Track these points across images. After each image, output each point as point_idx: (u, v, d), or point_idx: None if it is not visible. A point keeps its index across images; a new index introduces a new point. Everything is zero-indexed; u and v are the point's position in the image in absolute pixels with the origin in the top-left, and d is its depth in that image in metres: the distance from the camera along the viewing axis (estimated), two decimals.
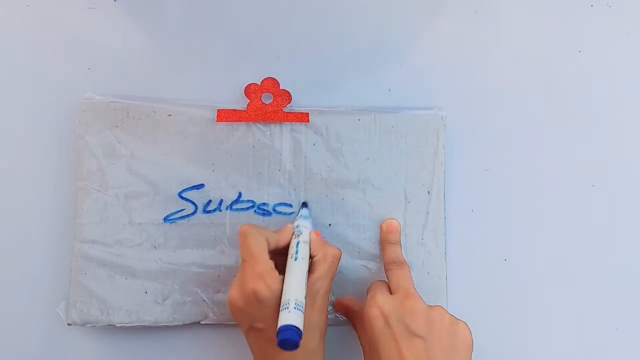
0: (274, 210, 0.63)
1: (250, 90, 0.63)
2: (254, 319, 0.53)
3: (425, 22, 0.67)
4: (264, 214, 0.63)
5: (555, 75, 0.67)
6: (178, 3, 0.66)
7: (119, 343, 0.63)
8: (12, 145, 0.64)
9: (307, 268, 0.56)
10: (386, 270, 0.60)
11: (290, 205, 0.63)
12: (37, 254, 0.63)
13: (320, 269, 0.56)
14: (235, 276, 0.55)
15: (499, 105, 0.67)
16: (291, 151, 0.63)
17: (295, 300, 0.52)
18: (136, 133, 0.63)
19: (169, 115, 0.63)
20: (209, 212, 0.63)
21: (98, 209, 0.62)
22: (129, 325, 0.61)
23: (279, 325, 0.50)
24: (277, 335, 0.50)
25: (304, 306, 0.52)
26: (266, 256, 0.54)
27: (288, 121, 0.63)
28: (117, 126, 0.62)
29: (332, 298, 0.62)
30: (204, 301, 0.62)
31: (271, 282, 0.53)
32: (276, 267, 0.55)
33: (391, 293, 0.56)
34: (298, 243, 0.57)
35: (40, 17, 0.65)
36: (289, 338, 0.49)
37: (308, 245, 0.58)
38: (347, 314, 0.62)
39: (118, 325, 0.61)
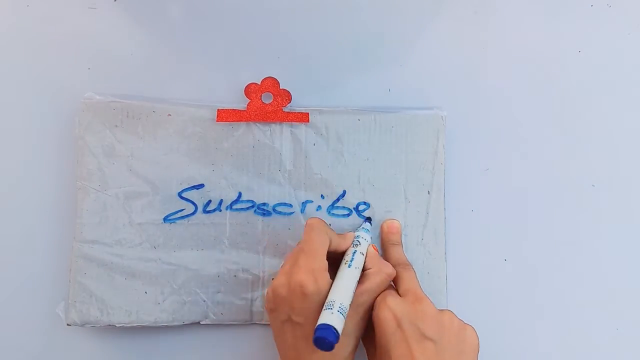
0: (274, 210, 0.63)
1: (250, 90, 0.63)
2: (294, 312, 0.53)
3: (425, 22, 0.67)
4: (263, 214, 0.63)
5: (555, 75, 0.67)
6: (178, 3, 0.66)
7: (119, 343, 0.63)
8: (11, 144, 0.64)
9: (358, 278, 0.56)
10: None
11: (290, 205, 0.63)
12: (36, 254, 0.63)
13: (372, 282, 0.56)
14: (282, 266, 0.56)
15: (499, 105, 0.67)
16: (291, 151, 0.63)
17: (341, 303, 0.51)
18: (136, 133, 0.63)
19: (169, 115, 0.63)
20: (208, 212, 0.63)
21: (98, 209, 0.62)
22: (128, 325, 0.61)
23: (319, 322, 0.50)
24: (315, 332, 0.49)
25: (346, 312, 0.52)
26: (324, 254, 0.55)
27: (288, 121, 0.63)
28: (117, 126, 0.62)
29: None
30: (204, 301, 0.62)
31: (321, 280, 0.53)
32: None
33: (399, 295, 0.57)
34: (355, 252, 0.58)
35: (40, 17, 0.65)
36: (327, 337, 0.49)
37: (364, 257, 0.58)
38: None
39: (118, 325, 0.61)
